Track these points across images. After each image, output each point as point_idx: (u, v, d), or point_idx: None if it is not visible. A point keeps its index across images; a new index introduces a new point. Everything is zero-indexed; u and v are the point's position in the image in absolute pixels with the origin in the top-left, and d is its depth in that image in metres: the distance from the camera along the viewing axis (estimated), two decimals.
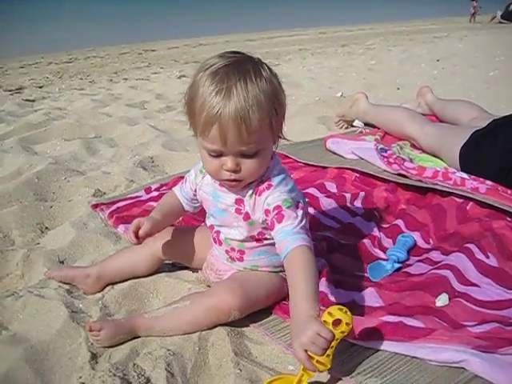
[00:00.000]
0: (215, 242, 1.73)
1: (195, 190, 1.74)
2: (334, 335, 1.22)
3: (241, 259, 1.67)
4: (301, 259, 1.40)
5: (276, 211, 1.48)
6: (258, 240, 1.63)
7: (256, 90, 1.38)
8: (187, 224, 2.20)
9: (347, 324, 1.24)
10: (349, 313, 1.25)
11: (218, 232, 1.69)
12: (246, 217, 1.58)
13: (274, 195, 1.51)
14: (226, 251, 1.69)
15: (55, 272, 1.86)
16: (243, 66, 1.41)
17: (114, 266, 1.83)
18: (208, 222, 1.74)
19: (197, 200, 1.78)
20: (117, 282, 1.83)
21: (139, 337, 1.54)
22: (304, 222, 1.49)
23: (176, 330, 1.54)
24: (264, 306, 1.65)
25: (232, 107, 1.35)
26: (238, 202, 1.58)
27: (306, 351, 1.22)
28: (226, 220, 1.63)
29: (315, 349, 1.20)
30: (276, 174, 1.55)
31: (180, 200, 1.81)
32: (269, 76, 1.44)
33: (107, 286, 1.83)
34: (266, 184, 1.53)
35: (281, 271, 1.68)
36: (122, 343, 1.52)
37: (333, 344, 1.23)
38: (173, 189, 1.86)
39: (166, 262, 1.93)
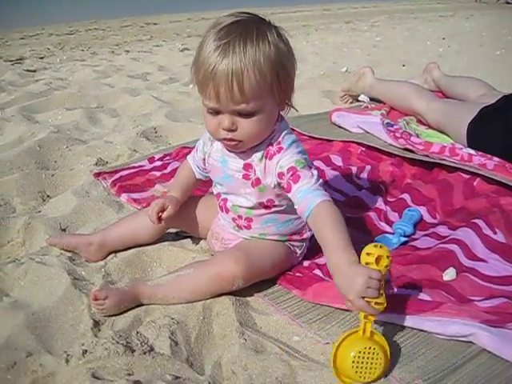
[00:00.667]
0: (222, 210, 1.70)
1: (204, 160, 1.72)
2: (382, 272, 1.21)
3: (248, 227, 1.65)
4: (326, 212, 1.39)
5: (291, 172, 1.47)
6: (266, 207, 1.60)
7: (255, 51, 1.36)
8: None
9: (388, 257, 1.23)
10: (384, 246, 1.23)
11: (225, 199, 1.67)
12: (256, 182, 1.55)
13: (287, 157, 1.49)
14: (233, 219, 1.67)
15: (57, 239, 1.84)
16: (248, 27, 1.39)
17: (117, 233, 1.81)
18: (215, 190, 1.72)
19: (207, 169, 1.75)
20: (120, 250, 1.81)
21: (143, 305, 1.53)
22: (321, 180, 1.48)
23: (179, 299, 1.52)
24: (269, 276, 1.63)
25: (226, 65, 1.35)
26: (246, 167, 1.55)
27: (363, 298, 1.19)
28: (234, 186, 1.61)
29: (372, 292, 1.18)
30: (285, 138, 1.53)
31: (193, 169, 1.80)
32: (275, 40, 1.42)
33: (110, 253, 1.81)
34: (276, 147, 1.51)
35: (287, 240, 1.66)
36: (125, 311, 1.50)
37: (382, 282, 1.21)
38: (187, 157, 1.84)
39: (170, 231, 1.91)
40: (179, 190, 1.80)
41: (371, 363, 1.22)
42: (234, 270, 1.49)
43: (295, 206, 1.48)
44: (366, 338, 1.24)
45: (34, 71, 5.92)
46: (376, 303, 1.21)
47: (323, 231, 1.37)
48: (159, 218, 1.71)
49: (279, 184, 1.51)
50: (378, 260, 1.22)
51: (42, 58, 7.37)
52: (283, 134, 1.54)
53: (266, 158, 1.52)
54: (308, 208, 1.42)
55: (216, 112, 1.44)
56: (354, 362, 1.21)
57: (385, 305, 1.22)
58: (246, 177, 1.56)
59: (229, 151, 1.58)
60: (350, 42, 8.31)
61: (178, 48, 7.90)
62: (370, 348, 1.22)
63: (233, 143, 1.48)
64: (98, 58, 7.03)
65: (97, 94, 4.34)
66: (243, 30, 1.38)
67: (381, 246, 1.23)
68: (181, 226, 1.89)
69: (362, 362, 1.21)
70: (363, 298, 1.19)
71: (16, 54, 7.79)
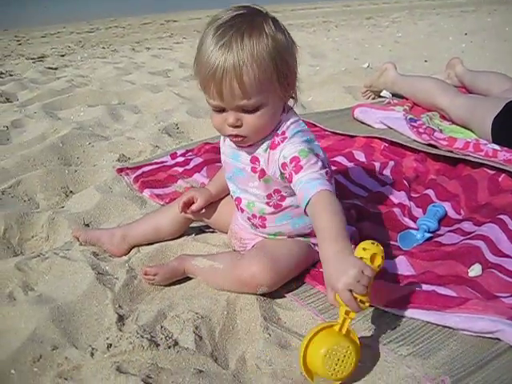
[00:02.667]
0: (237, 210, 1.71)
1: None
2: (374, 271, 1.19)
3: (263, 226, 1.64)
4: (323, 202, 1.35)
5: (293, 163, 1.44)
6: (276, 205, 1.59)
7: (252, 46, 1.36)
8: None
9: (382, 257, 1.21)
10: (380, 246, 1.22)
11: (239, 199, 1.66)
12: (262, 174, 1.54)
13: (290, 147, 1.47)
14: (248, 218, 1.66)
15: (81, 231, 1.86)
16: (244, 21, 1.39)
17: (139, 227, 1.83)
18: (230, 190, 1.72)
19: None
20: (143, 245, 1.82)
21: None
22: (325, 170, 1.44)
23: (212, 285, 1.59)
24: (293, 276, 1.62)
25: (224, 63, 1.35)
26: (253, 160, 1.55)
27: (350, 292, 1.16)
28: (243, 180, 1.61)
29: (360, 287, 1.15)
30: (291, 127, 1.52)
31: None
32: (273, 32, 1.41)
33: (133, 248, 1.82)
34: (280, 137, 1.50)
35: (306, 237, 1.65)
36: (149, 304, 1.51)
37: (371, 281, 1.18)
38: None
39: (193, 225, 1.91)
40: (216, 186, 1.82)
41: (342, 361, 1.19)
42: (259, 279, 1.49)
43: (297, 197, 1.46)
44: (341, 335, 1.22)
45: (56, 69, 5.96)
46: (360, 301, 1.18)
47: (318, 221, 1.34)
48: (184, 208, 1.76)
49: (282, 174, 1.50)
50: (372, 258, 1.21)
51: (63, 55, 7.41)
52: (288, 123, 1.52)
53: (270, 149, 1.51)
54: (306, 198, 1.38)
55: (221, 109, 1.44)
56: (325, 357, 1.18)
57: (368, 305, 1.20)
58: (253, 170, 1.56)
59: (238, 146, 1.58)
60: (371, 37, 8.25)
61: None
62: (344, 346, 1.19)
63: (239, 139, 1.49)
64: (118, 56, 7.06)
65: (118, 91, 4.35)
66: (240, 26, 1.37)
67: (377, 245, 1.22)
68: (203, 218, 1.89)
69: (333, 359, 1.18)
70: (351, 291, 1.16)
71: (37, 51, 7.85)
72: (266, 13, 1.47)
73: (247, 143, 1.52)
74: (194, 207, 1.76)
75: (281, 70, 1.42)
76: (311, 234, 1.64)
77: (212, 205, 1.83)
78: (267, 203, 1.59)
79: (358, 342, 1.24)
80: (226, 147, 1.65)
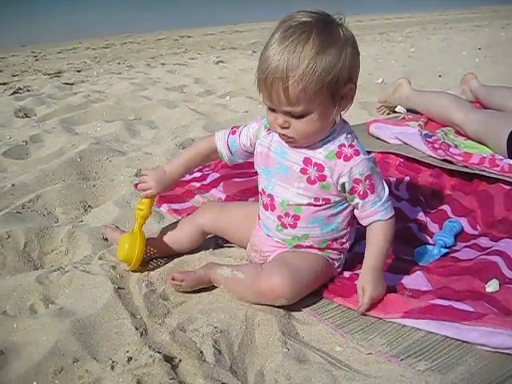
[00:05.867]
0: (267, 209, 1.68)
1: (250, 145, 1.73)
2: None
3: (294, 225, 1.64)
4: (386, 231, 1.59)
5: (368, 181, 1.54)
6: (316, 205, 1.60)
7: (311, 57, 1.38)
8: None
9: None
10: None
11: (272, 196, 1.66)
12: (320, 178, 1.56)
13: (364, 163, 1.53)
14: (279, 217, 1.65)
15: (109, 230, 1.95)
16: (308, 30, 1.41)
17: (157, 240, 1.85)
18: (260, 186, 1.72)
19: (246, 155, 1.78)
20: (162, 259, 1.85)
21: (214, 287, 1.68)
22: (387, 187, 1.61)
23: (233, 294, 1.61)
24: (312, 290, 1.63)
25: (275, 69, 1.40)
26: (306, 161, 1.57)
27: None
28: (287, 178, 1.61)
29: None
30: (356, 141, 1.57)
31: (222, 152, 1.78)
32: (339, 50, 1.43)
33: (152, 260, 1.86)
34: (351, 150, 1.54)
35: (326, 248, 1.67)
36: (168, 318, 1.53)
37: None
38: (216, 143, 1.79)
39: (210, 238, 1.94)
40: (173, 166, 1.84)
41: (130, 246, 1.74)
42: (278, 291, 1.52)
43: (360, 213, 1.60)
44: (133, 232, 1.79)
45: (72, 84, 6.04)
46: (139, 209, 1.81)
47: (374, 242, 1.60)
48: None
49: (346, 187, 1.55)
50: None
51: (79, 71, 7.51)
52: (352, 135, 1.58)
53: (339, 158, 1.54)
54: (374, 218, 1.57)
55: (273, 109, 1.50)
56: (121, 242, 1.77)
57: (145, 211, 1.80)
58: (303, 171, 1.58)
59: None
60: (384, 53, 8.29)
61: (213, 61, 7.97)
62: (132, 236, 1.77)
63: (287, 139, 1.54)
64: (134, 71, 7.14)
65: (134, 107, 4.41)
66: (301, 34, 1.40)
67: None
68: (220, 233, 1.91)
69: (124, 245, 1.74)
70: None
71: (54, 67, 7.96)
72: (338, 24, 1.49)
73: (295, 144, 1.56)
74: (148, 194, 1.82)
75: (333, 86, 1.44)
76: (331, 247, 1.67)
77: (229, 219, 1.85)
78: (309, 204, 1.60)
79: (144, 238, 1.79)
80: (274, 142, 1.65)
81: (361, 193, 1.54)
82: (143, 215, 1.81)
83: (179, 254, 1.86)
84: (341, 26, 1.49)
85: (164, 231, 1.89)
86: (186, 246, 1.86)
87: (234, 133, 1.76)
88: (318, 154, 1.55)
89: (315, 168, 1.56)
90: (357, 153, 1.53)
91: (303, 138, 1.52)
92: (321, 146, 1.55)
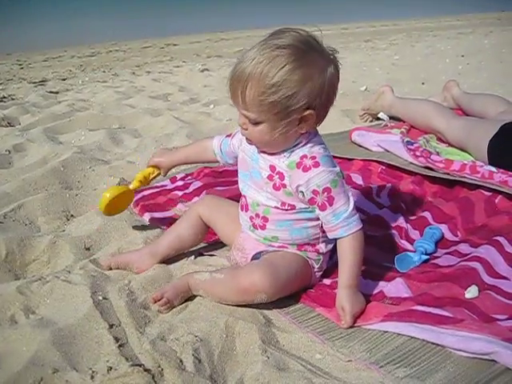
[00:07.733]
0: (242, 209, 1.75)
1: (239, 148, 1.78)
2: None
3: (263, 227, 1.68)
4: (352, 246, 1.58)
5: (326, 193, 1.54)
6: (282, 209, 1.64)
7: (277, 72, 1.42)
8: None
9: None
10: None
11: (245, 197, 1.73)
12: (281, 186, 1.60)
13: (322, 175, 1.54)
14: (251, 217, 1.71)
15: (110, 260, 1.88)
16: (289, 49, 1.44)
17: (165, 239, 1.90)
18: (240, 188, 1.77)
19: (233, 156, 1.85)
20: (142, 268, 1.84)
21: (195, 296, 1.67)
22: (351, 199, 1.58)
23: (213, 298, 1.62)
24: (291, 290, 1.65)
25: (241, 71, 1.46)
26: (272, 168, 1.61)
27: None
28: (258, 182, 1.66)
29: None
30: (320, 153, 1.57)
31: (215, 151, 1.90)
32: (304, 71, 1.45)
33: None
34: (311, 161, 1.55)
35: (298, 248, 1.69)
36: (149, 327, 1.52)
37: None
38: (213, 142, 1.92)
39: (192, 249, 1.95)
40: (182, 155, 2.07)
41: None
42: (258, 285, 1.53)
43: (324, 225, 1.61)
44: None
45: (57, 93, 6.02)
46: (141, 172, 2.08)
47: (345, 258, 1.59)
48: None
49: (305, 196, 1.57)
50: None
51: (64, 79, 7.49)
52: (317, 148, 1.58)
53: (298, 168, 1.56)
54: (339, 234, 1.58)
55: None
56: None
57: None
58: (270, 177, 1.62)
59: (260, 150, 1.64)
60: (369, 60, 8.33)
61: (198, 69, 7.97)
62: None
63: (249, 142, 1.60)
64: (119, 79, 7.13)
65: (119, 115, 4.39)
66: (284, 52, 1.44)
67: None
68: (212, 226, 1.92)
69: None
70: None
71: (39, 75, 7.94)
72: (324, 57, 1.52)
73: (260, 148, 1.61)
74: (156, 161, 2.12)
75: (287, 106, 1.46)
76: (305, 248, 1.70)
77: (223, 217, 1.89)
78: (276, 207, 1.64)
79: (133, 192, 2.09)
80: (251, 147, 1.68)
81: (319, 204, 1.56)
82: (140, 178, 2.08)
83: (186, 249, 1.93)
84: (323, 55, 1.52)
85: (169, 230, 1.96)
86: (189, 240, 1.91)
87: (229, 135, 1.86)
88: (282, 163, 1.59)
89: (277, 176, 1.60)
90: (316, 165, 1.54)
91: (260, 144, 1.59)
92: (285, 156, 1.59)
